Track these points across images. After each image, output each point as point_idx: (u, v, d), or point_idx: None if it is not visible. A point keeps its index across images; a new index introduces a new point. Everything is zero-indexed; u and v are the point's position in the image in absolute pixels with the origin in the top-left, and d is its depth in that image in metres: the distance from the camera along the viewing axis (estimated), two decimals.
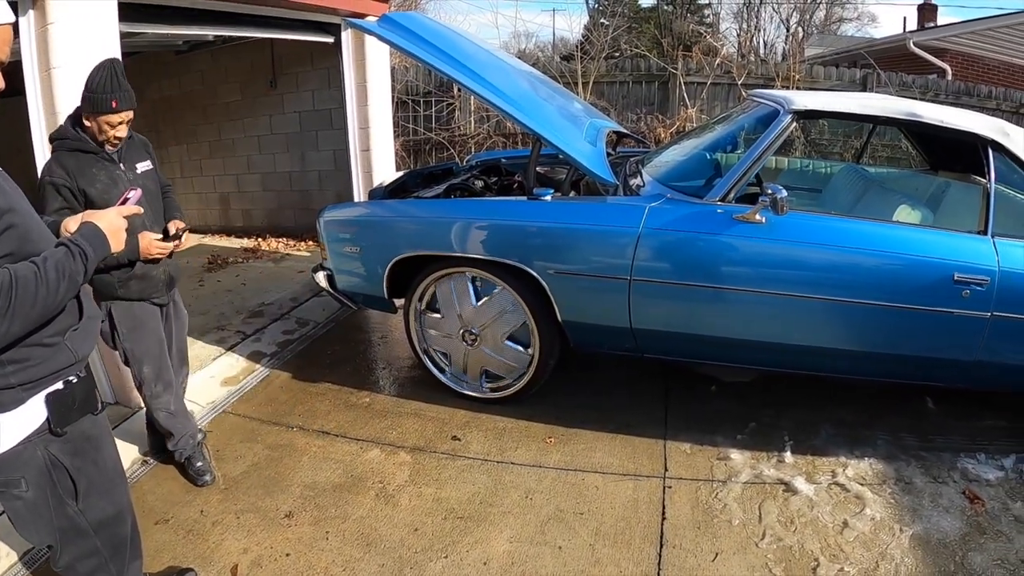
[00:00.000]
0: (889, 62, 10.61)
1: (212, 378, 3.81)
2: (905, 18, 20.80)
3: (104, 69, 2.30)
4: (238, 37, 4.78)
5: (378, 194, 3.81)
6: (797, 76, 7.55)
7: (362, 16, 4.90)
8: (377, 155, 5.70)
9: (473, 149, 7.55)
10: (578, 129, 3.31)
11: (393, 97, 6.05)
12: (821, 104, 3.07)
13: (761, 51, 18.49)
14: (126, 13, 3.40)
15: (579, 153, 3.02)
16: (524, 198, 3.14)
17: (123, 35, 3.62)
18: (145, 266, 2.51)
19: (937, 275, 2.64)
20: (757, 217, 2.69)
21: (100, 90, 2.28)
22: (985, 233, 2.69)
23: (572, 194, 3.38)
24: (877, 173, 4.22)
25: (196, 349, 4.13)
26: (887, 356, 2.86)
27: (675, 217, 2.82)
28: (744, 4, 20.74)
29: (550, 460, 2.90)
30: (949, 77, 9.76)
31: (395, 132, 8.30)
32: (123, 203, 1.73)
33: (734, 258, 2.78)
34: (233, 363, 4.00)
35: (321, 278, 3.57)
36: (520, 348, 3.19)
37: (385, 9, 5.40)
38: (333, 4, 4.80)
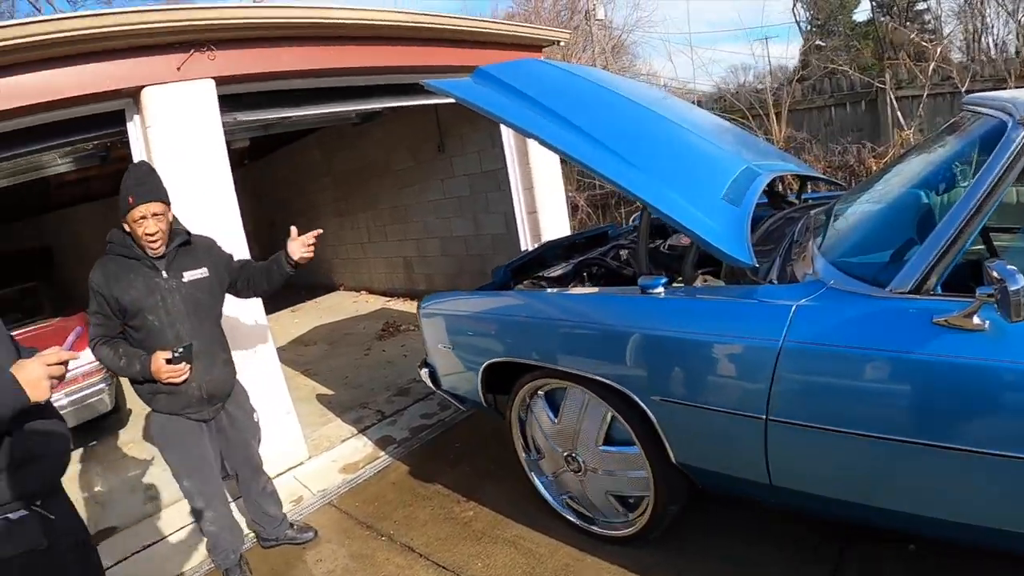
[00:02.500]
0: None
1: (334, 463, 3.58)
2: None
3: (128, 171, 2.27)
4: (382, 108, 4.57)
5: (499, 273, 3.14)
6: None
7: None
8: (546, 216, 5.16)
9: None
10: (714, 185, 2.30)
11: None
12: None
13: (992, 52, 15.52)
14: (230, 103, 3.35)
15: (695, 220, 2.03)
16: (630, 289, 2.24)
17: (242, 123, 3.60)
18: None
19: None
20: (975, 321, 1.51)
21: (122, 192, 2.23)
22: None
23: (703, 281, 2.34)
24: None
25: (331, 428, 3.98)
26: None
27: (835, 322, 1.72)
28: (965, 2, 17.71)
29: None
30: None
31: (579, 186, 7.81)
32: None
33: (934, 391, 1.60)
34: (360, 447, 3.68)
35: (424, 375, 3.03)
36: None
37: (538, 55, 4.95)
38: (437, 60, 4.31)
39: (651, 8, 26.08)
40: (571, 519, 2.57)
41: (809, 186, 3.40)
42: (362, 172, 7.03)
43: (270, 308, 7.11)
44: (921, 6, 20.27)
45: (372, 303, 6.09)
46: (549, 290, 2.65)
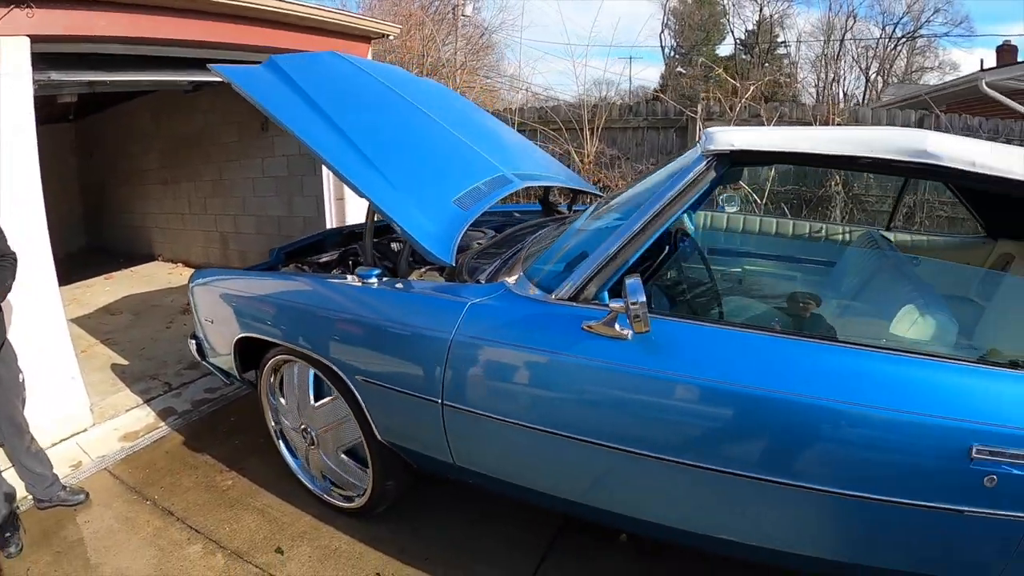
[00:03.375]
0: (963, 108, 9.36)
1: (115, 431, 3.52)
2: (982, 60, 18.72)
3: None
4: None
5: (274, 255, 3.22)
6: (839, 120, 6.33)
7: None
8: (352, 203, 5.19)
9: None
10: (450, 189, 2.45)
11: None
12: (758, 142, 1.82)
13: (840, 101, 17.38)
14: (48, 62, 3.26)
15: (410, 220, 2.20)
16: (352, 278, 2.33)
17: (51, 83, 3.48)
18: None
19: (937, 446, 1.50)
20: (616, 329, 1.69)
21: None
22: None
23: (420, 276, 2.46)
24: (906, 243, 3.03)
25: (119, 397, 3.89)
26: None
27: (501, 321, 1.89)
28: (822, 54, 19.59)
29: None
30: None
31: None
32: None
33: (577, 390, 1.79)
34: (142, 417, 3.63)
35: (193, 347, 3.06)
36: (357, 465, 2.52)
37: (363, 51, 5.06)
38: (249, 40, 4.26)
39: (516, 12, 26.47)
40: (309, 486, 2.72)
41: (580, 199, 3.68)
42: (189, 141, 6.75)
43: (84, 275, 6.82)
44: (781, 51, 22.06)
45: (186, 276, 5.94)
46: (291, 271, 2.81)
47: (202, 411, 3.74)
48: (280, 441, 2.83)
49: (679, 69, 15.47)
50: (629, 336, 1.68)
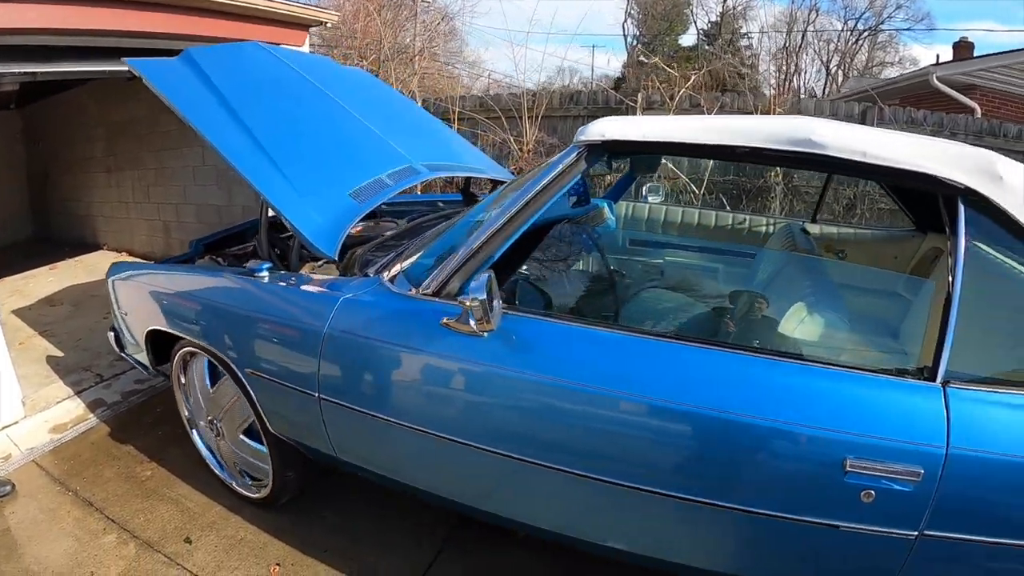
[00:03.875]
0: (914, 101, 9.54)
1: (46, 423, 3.52)
2: (938, 55, 19.06)
3: None
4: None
5: (193, 246, 3.23)
6: (780, 111, 6.34)
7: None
8: None
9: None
10: (347, 182, 2.45)
11: None
12: (630, 132, 1.80)
13: (797, 92, 17.56)
14: None
15: (298, 214, 2.22)
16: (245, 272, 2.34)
17: None
18: None
19: (811, 459, 1.45)
20: (471, 326, 1.63)
21: None
22: (931, 375, 1.45)
23: (311, 270, 2.46)
24: (832, 236, 2.99)
25: (52, 389, 3.87)
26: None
27: (369, 316, 1.90)
28: (783, 47, 19.75)
29: None
30: (978, 115, 8.32)
31: None
32: None
33: (433, 387, 1.82)
34: (72, 408, 3.63)
35: (112, 339, 3.08)
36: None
37: (300, 39, 5.04)
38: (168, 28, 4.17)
39: None
40: (219, 475, 2.76)
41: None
42: (131, 129, 6.64)
43: (28, 265, 6.70)
44: (743, 42, 22.17)
45: None
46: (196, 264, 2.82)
47: (131, 402, 3.75)
48: (193, 431, 2.86)
49: (640, 58, 15.47)
50: (486, 334, 1.65)
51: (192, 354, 2.59)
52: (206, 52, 2.89)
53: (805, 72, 22.45)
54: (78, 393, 3.83)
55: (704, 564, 1.71)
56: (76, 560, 2.45)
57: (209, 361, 2.50)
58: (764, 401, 1.48)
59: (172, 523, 2.64)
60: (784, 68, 20.70)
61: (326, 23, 5.05)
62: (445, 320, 1.74)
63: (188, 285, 2.50)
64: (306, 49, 5.22)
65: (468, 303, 1.57)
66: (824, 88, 21.29)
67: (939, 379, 1.43)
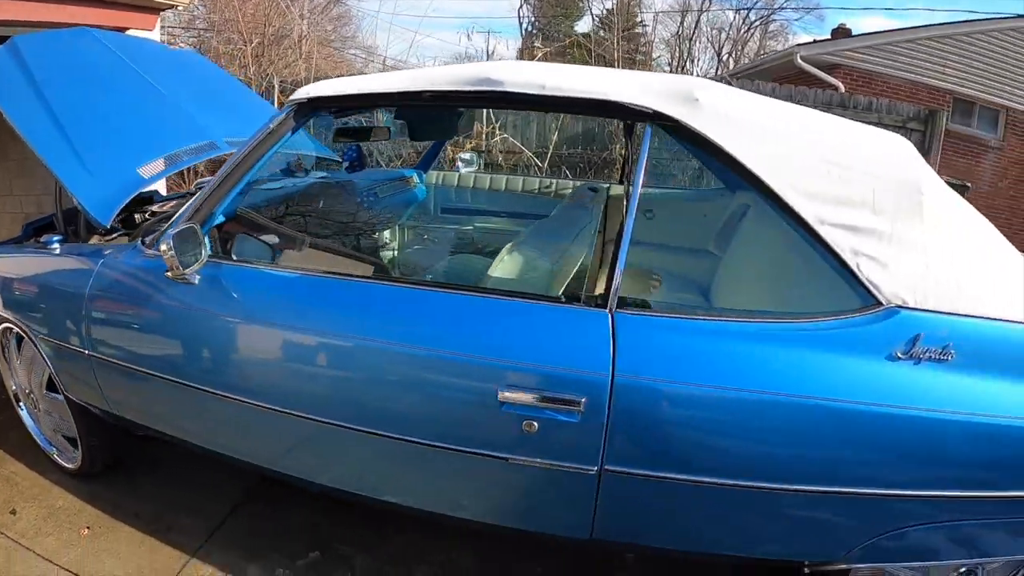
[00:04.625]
0: (784, 81, 10.11)
1: None
2: (816, 39, 20.33)
3: None
4: None
5: (24, 229, 3.24)
6: None
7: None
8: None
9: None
10: (137, 158, 2.50)
11: None
12: (332, 89, 1.88)
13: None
14: None
15: (81, 186, 2.30)
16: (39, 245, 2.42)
17: None
18: None
19: (468, 388, 1.52)
20: (184, 274, 1.74)
21: None
22: (603, 302, 1.49)
23: (99, 239, 2.48)
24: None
25: None
26: (426, 511, 1.83)
27: (118, 275, 2.01)
28: (676, 34, 20.34)
29: (64, 557, 2.31)
30: (841, 92, 8.88)
31: None
32: None
33: (168, 335, 1.93)
34: None
35: None
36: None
37: (151, 22, 5.01)
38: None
39: None
40: (44, 448, 2.81)
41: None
42: None
43: None
44: (639, 29, 22.65)
45: None
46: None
47: None
48: (21, 406, 2.88)
49: (536, 44, 15.62)
50: (196, 280, 1.79)
51: (9, 330, 2.63)
52: (31, 39, 2.91)
53: (698, 60, 23.07)
54: None
55: (399, 499, 1.84)
56: None
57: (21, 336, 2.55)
58: (427, 332, 1.55)
59: (0, 497, 2.67)
60: (677, 55, 21.25)
61: (177, 6, 5.02)
62: (168, 272, 1.81)
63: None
64: (157, 33, 5.20)
65: (163, 253, 1.69)
66: (716, 74, 22.13)
67: (609, 306, 1.48)
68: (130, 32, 4.96)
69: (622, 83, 1.62)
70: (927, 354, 1.41)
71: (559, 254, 2.01)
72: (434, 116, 2.96)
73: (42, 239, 2.35)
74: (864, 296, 1.45)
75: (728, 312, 1.53)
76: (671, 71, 21.72)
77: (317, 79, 8.05)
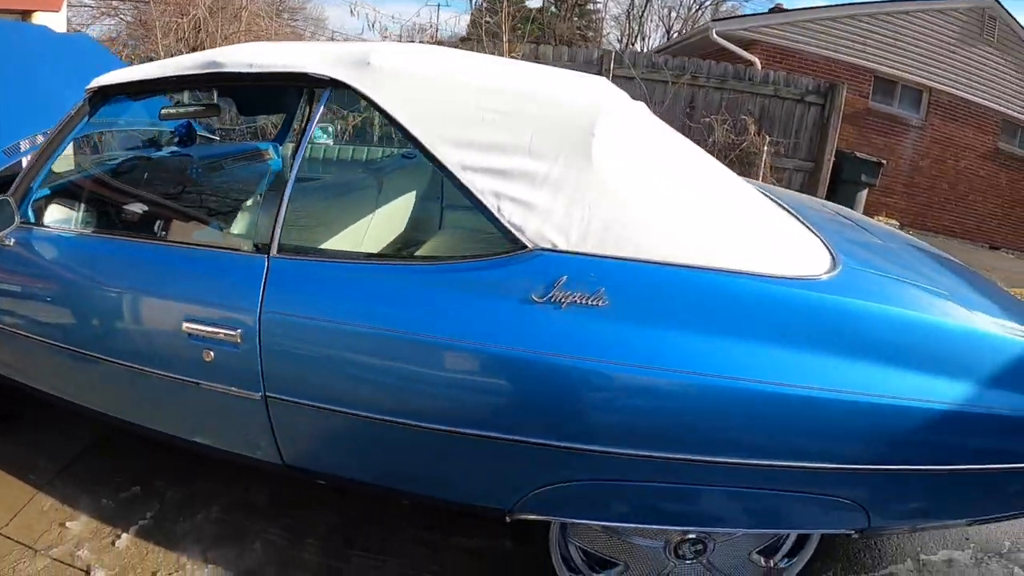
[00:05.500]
0: (705, 57, 10.28)
1: None
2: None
3: None
4: None
5: None
6: (518, 56, 6.90)
7: None
8: None
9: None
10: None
11: None
12: (117, 78, 2.10)
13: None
14: None
15: None
16: None
17: None
18: None
19: (165, 322, 1.80)
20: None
21: None
22: (265, 249, 1.71)
23: None
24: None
25: None
26: (178, 437, 2.09)
27: None
28: (627, 11, 20.48)
29: None
30: (757, 68, 8.95)
31: None
32: None
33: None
34: None
35: None
36: None
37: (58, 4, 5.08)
38: None
39: None
40: None
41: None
42: None
43: None
44: (590, 6, 22.77)
45: None
46: None
47: None
48: None
49: (486, 19, 15.65)
50: (11, 243, 2.05)
51: None
52: None
53: (649, 37, 23.27)
54: None
55: (135, 419, 2.15)
56: None
57: None
58: (146, 275, 1.87)
59: None
60: (627, 32, 21.39)
61: None
62: None
63: None
64: (63, 15, 5.26)
65: None
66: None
67: (270, 252, 1.69)
68: (36, 14, 5.06)
69: (307, 55, 1.82)
70: (571, 298, 1.43)
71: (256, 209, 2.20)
72: (252, 94, 3.14)
73: None
74: (508, 239, 1.51)
75: (378, 257, 1.70)
76: (621, 48, 21.86)
77: None
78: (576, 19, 20.18)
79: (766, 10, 11.66)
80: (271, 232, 1.68)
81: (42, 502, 2.52)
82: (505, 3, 7.91)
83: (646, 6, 21.12)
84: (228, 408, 1.77)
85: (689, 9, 22.86)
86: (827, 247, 1.71)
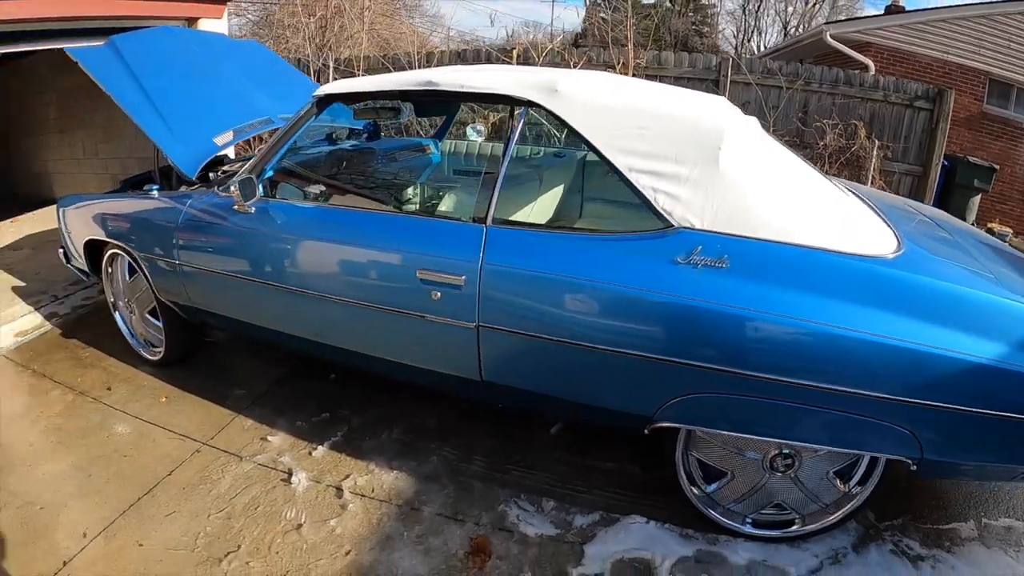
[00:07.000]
0: (819, 59, 10.47)
1: (11, 330, 4.55)
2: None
3: None
4: None
5: (122, 184, 4.26)
6: (642, 63, 7.41)
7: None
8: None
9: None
10: (213, 128, 3.55)
11: None
12: (339, 88, 2.86)
13: (757, 52, 18.17)
14: None
15: (173, 148, 3.31)
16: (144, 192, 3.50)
17: None
18: None
19: (400, 271, 2.45)
20: (245, 207, 2.79)
21: None
22: (483, 220, 2.35)
23: (186, 188, 3.54)
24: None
25: (16, 308, 4.87)
26: (388, 361, 2.72)
27: (201, 210, 3.04)
28: (742, 6, 20.37)
29: (149, 414, 3.34)
30: (872, 72, 9.35)
31: None
32: None
33: (233, 246, 2.96)
34: (33, 320, 4.68)
35: (61, 255, 4.18)
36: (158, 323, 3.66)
37: (219, 11, 6.03)
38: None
39: None
40: (132, 345, 3.92)
41: None
42: (82, 92, 7.50)
43: None
44: (705, 1, 22.76)
45: None
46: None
47: (79, 312, 4.86)
48: (116, 312, 3.99)
49: (602, 15, 16.13)
50: (252, 210, 2.84)
51: (115, 256, 3.69)
52: (125, 37, 3.94)
53: (765, 33, 23.04)
54: (37, 309, 4.89)
55: (363, 349, 2.80)
56: (28, 407, 3.54)
57: (128, 261, 3.59)
58: (382, 237, 2.56)
59: (100, 380, 3.77)
60: (743, 27, 21.29)
61: None
62: (235, 206, 2.88)
63: (112, 207, 3.62)
64: (224, 21, 6.23)
65: (232, 193, 2.78)
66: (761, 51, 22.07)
67: (487, 223, 2.35)
68: (201, 21, 6.01)
69: (505, 79, 2.52)
70: (703, 261, 2.05)
71: (474, 193, 2.88)
72: (438, 104, 4.11)
73: (145, 188, 3.45)
74: (660, 219, 2.16)
75: (563, 228, 2.53)
76: (736, 44, 21.67)
77: (380, 51, 9.12)
78: (691, 14, 20.26)
79: (882, 10, 11.65)
80: (487, 208, 2.37)
81: (242, 422, 3.28)
82: (629, 11, 8.37)
83: (762, 1, 20.94)
84: (445, 335, 2.42)
85: (806, 3, 22.50)
86: (896, 234, 2.30)
